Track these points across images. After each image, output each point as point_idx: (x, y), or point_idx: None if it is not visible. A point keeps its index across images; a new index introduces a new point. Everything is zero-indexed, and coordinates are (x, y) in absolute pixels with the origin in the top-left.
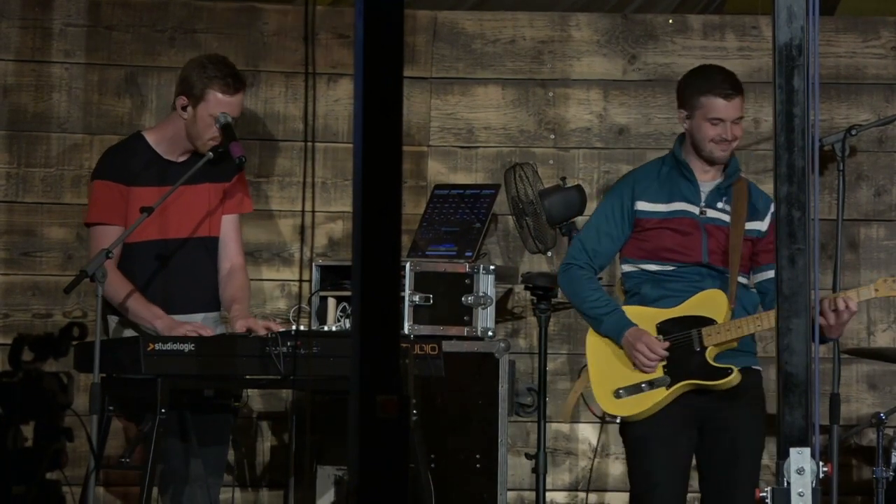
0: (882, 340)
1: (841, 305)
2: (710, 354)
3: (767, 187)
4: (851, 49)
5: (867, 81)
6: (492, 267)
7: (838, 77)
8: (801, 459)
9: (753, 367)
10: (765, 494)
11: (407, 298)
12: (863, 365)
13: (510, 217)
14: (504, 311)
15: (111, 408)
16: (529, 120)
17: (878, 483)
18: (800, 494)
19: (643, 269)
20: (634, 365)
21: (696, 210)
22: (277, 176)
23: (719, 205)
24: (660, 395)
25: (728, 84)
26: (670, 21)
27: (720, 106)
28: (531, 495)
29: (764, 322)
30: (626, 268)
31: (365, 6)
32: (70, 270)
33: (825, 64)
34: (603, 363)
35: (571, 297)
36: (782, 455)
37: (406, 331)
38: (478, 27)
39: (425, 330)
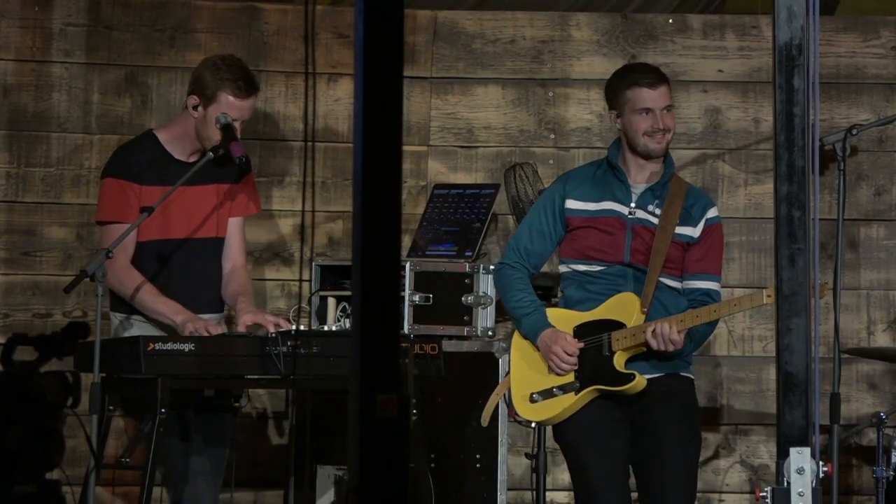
0: (882, 340)
1: (667, 334)
2: (618, 359)
3: (767, 187)
4: (851, 49)
5: (867, 81)
6: (492, 267)
7: (838, 77)
8: (801, 459)
9: (681, 373)
10: (765, 494)
11: (407, 298)
12: (863, 365)
13: (510, 217)
14: (504, 311)
15: (111, 408)
16: (529, 120)
17: (879, 483)
18: (800, 494)
19: (573, 270)
20: (550, 368)
21: (625, 210)
22: (277, 176)
23: (650, 207)
24: (569, 401)
25: (651, 73)
26: (670, 21)
27: (646, 95)
28: (531, 495)
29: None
30: (561, 268)
31: (365, 6)
32: (70, 270)
33: (825, 64)
34: (523, 367)
35: (501, 297)
36: (782, 455)
37: (406, 331)
38: (478, 27)
39: (425, 330)
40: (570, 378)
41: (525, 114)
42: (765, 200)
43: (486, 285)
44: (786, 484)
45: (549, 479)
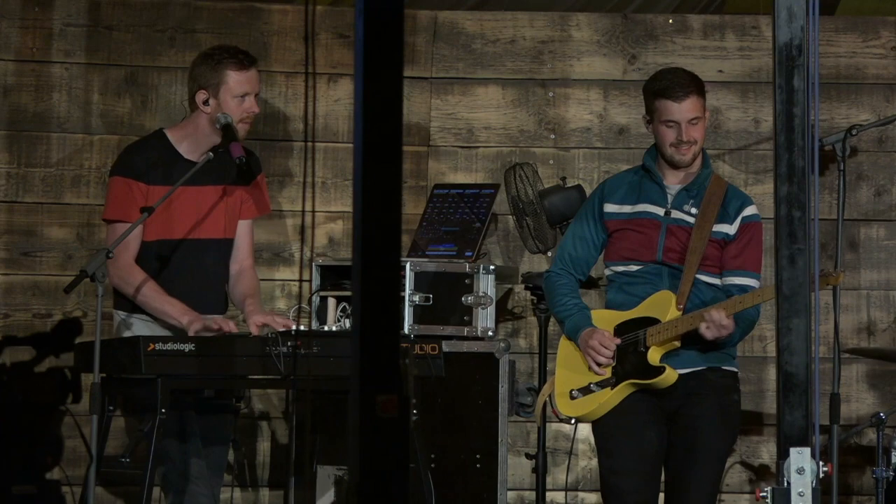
0: (882, 340)
1: (717, 320)
2: (652, 354)
3: (767, 187)
4: (851, 49)
5: (867, 81)
6: (492, 267)
7: (838, 77)
8: (801, 459)
9: (724, 367)
10: (765, 494)
11: (407, 298)
12: (863, 365)
13: (510, 217)
14: (504, 311)
15: (111, 408)
16: (529, 120)
17: (879, 483)
18: (800, 494)
19: (614, 272)
20: (589, 365)
21: (661, 211)
22: (277, 176)
23: (686, 206)
24: (605, 396)
25: (678, 85)
26: (670, 21)
27: (671, 108)
28: (531, 495)
29: (697, 319)
30: (605, 272)
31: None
32: (70, 270)
33: (825, 64)
34: (566, 367)
35: (549, 304)
36: (782, 455)
37: (406, 331)
38: (478, 27)
39: (425, 330)
40: (608, 374)
41: (525, 114)
42: (765, 201)
43: (486, 285)
44: (786, 484)
45: (549, 480)
